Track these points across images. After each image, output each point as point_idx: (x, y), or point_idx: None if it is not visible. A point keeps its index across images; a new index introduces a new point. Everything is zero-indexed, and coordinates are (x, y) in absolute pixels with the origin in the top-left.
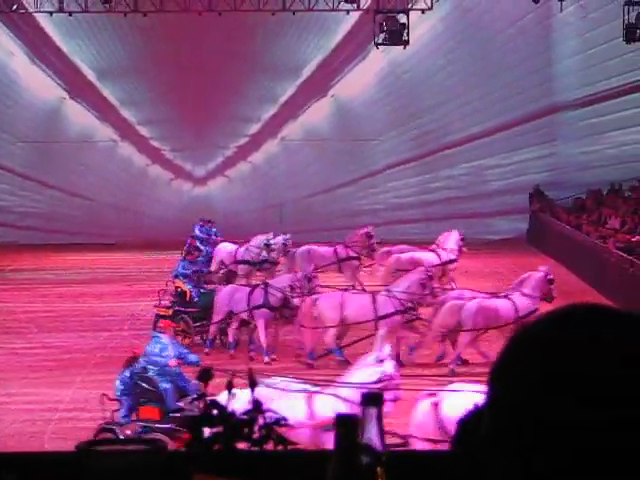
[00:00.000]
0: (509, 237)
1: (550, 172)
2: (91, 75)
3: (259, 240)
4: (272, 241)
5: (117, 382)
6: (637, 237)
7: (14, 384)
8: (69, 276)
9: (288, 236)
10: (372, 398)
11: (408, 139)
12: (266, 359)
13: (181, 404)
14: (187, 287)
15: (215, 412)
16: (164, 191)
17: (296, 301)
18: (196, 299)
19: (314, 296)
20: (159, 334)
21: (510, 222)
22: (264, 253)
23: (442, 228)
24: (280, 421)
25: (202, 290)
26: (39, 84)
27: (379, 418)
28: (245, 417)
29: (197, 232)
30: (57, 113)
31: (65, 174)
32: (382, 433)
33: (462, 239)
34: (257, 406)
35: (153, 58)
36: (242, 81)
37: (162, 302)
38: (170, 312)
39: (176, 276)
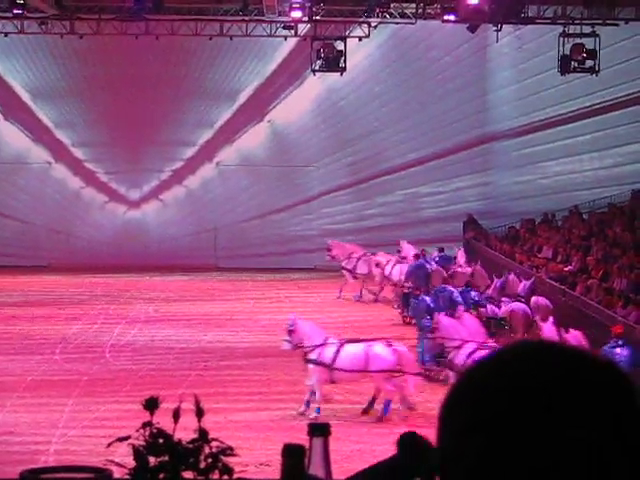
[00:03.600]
0: None
1: (484, 201)
2: (26, 96)
3: None
4: None
5: None
6: (569, 267)
7: None
8: (0, 298)
9: None
10: (318, 428)
11: (344, 165)
12: None
13: None
14: None
15: (161, 441)
16: (98, 214)
17: None
18: None
19: None
20: None
21: (444, 250)
22: None
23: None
24: (226, 451)
25: None
26: None
27: (325, 448)
28: (191, 446)
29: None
30: None
31: None
32: (328, 463)
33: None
34: (203, 435)
35: (89, 80)
36: (179, 105)
37: None
38: None
39: None
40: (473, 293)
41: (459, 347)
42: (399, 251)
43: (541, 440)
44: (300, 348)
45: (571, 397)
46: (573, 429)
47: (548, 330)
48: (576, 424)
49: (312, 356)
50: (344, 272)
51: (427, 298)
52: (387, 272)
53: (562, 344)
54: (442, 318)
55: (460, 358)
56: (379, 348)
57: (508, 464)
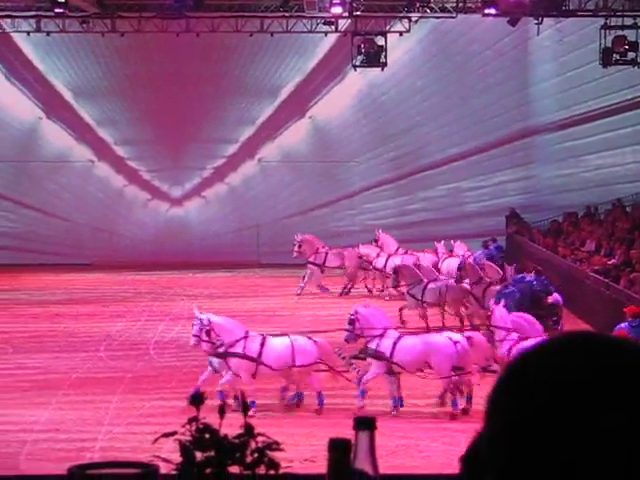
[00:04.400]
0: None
1: (527, 195)
2: (68, 95)
3: None
4: None
5: None
6: (612, 260)
7: None
8: (44, 297)
9: None
10: (364, 422)
11: (385, 161)
12: None
13: None
14: None
15: (207, 436)
16: (141, 212)
17: None
18: None
19: None
20: None
21: None
22: None
23: (419, 249)
24: (272, 445)
25: None
26: (16, 104)
27: (371, 442)
28: (237, 441)
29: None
30: (34, 133)
31: (41, 194)
32: (374, 457)
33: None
34: (249, 430)
35: (130, 78)
36: (220, 102)
37: None
38: None
39: None
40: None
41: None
42: (376, 240)
43: (577, 432)
44: (361, 337)
45: (608, 386)
46: (607, 417)
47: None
48: (611, 412)
49: (371, 346)
50: (310, 267)
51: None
52: (380, 265)
53: (607, 335)
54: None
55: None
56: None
57: (544, 459)
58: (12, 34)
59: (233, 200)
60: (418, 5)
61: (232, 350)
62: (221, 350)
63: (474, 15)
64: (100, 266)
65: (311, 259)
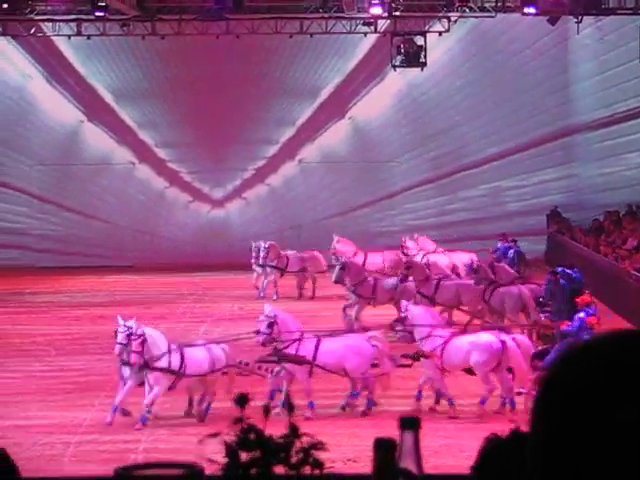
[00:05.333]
0: (527, 258)
1: (568, 193)
2: (109, 98)
3: None
4: None
5: None
6: None
7: (32, 407)
8: (86, 299)
9: None
10: (409, 421)
11: (425, 160)
12: None
13: None
14: None
15: (252, 436)
16: (182, 213)
17: None
18: None
19: None
20: None
21: (528, 243)
22: None
23: (459, 249)
24: (317, 445)
25: None
26: (57, 107)
27: (416, 442)
28: (282, 441)
29: None
30: (75, 136)
31: (83, 197)
32: (419, 457)
33: None
34: (294, 430)
35: (171, 81)
36: (260, 104)
37: None
38: None
39: None
40: None
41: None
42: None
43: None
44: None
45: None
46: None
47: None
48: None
49: (289, 351)
50: (269, 269)
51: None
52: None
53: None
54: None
55: None
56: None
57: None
58: (53, 38)
59: (274, 201)
60: (457, 5)
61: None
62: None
63: (513, 14)
64: (141, 268)
65: (274, 263)
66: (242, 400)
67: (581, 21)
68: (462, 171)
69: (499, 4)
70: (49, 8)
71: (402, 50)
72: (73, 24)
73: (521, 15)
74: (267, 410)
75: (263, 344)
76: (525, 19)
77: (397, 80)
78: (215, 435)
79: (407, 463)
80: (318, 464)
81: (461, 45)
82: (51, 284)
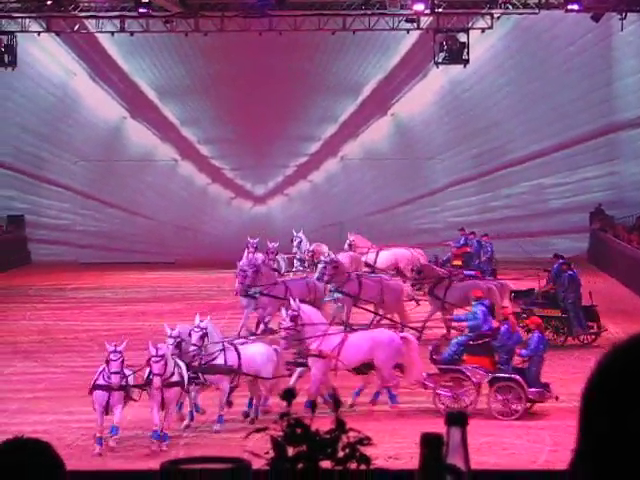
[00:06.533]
0: (569, 256)
1: (611, 191)
2: (152, 94)
3: None
4: None
5: None
6: None
7: (75, 402)
8: (129, 294)
9: None
10: (457, 418)
11: (468, 157)
12: None
13: None
14: None
15: (299, 431)
16: (224, 210)
17: None
18: None
19: None
20: None
21: (570, 241)
22: None
23: (502, 247)
24: (363, 440)
25: None
26: (100, 103)
27: (463, 438)
28: (329, 436)
29: None
30: (118, 132)
31: (126, 193)
32: (466, 452)
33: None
34: (341, 425)
35: (214, 78)
36: (302, 100)
37: None
38: None
39: None
40: None
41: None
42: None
43: None
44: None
45: None
46: None
47: None
48: None
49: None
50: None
51: None
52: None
53: None
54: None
55: None
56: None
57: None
58: (97, 35)
59: (316, 198)
60: (500, 1)
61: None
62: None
63: (556, 11)
64: (184, 264)
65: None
66: (289, 395)
67: (625, 17)
68: (504, 168)
69: (542, 1)
70: (93, 5)
71: (445, 47)
72: (116, 21)
73: (564, 12)
74: (314, 406)
75: (285, 338)
76: (568, 16)
77: (439, 77)
78: (262, 430)
79: (454, 459)
80: (365, 459)
81: (504, 42)
82: (94, 280)
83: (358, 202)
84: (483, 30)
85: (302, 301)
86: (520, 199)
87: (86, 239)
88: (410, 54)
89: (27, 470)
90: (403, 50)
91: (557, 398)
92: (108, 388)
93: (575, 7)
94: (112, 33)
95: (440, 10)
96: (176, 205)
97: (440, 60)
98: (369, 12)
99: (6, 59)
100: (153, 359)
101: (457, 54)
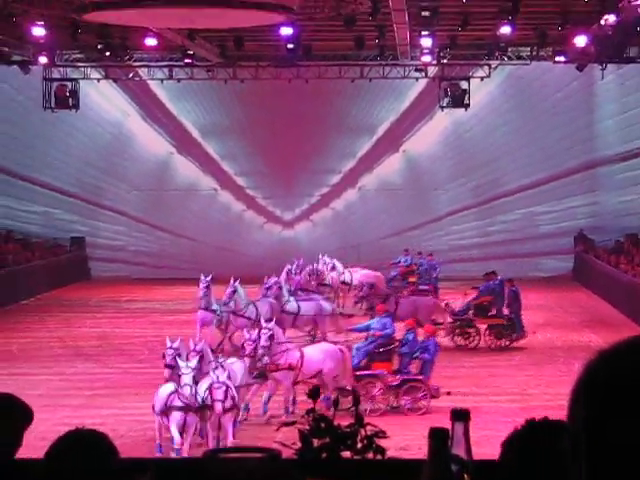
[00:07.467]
0: (556, 274)
1: (592, 218)
2: (196, 133)
3: None
4: None
5: None
6: None
7: (128, 399)
8: (176, 306)
9: None
10: (461, 414)
11: (468, 189)
12: None
13: None
14: None
15: (323, 425)
16: (257, 233)
17: None
18: None
19: None
20: None
21: (557, 261)
22: None
23: (498, 266)
24: (379, 433)
25: None
26: (151, 141)
27: (466, 432)
28: (349, 430)
29: None
30: (166, 165)
31: (173, 218)
32: (469, 444)
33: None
34: (360, 420)
35: (249, 119)
36: (325, 139)
37: None
38: None
39: None
40: None
41: None
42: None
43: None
44: None
45: None
46: None
47: None
48: None
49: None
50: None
51: None
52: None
53: None
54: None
55: None
56: None
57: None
58: (148, 81)
59: (336, 223)
60: (497, 54)
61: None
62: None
63: (546, 62)
64: (222, 280)
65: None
66: (315, 393)
67: (605, 68)
68: (500, 198)
69: (533, 53)
70: (145, 56)
71: (449, 93)
72: (165, 69)
73: (553, 63)
74: (336, 403)
75: (262, 355)
76: (556, 66)
77: (444, 119)
78: (291, 423)
79: (458, 450)
80: (380, 450)
81: (500, 89)
82: (145, 293)
83: (374, 227)
84: (482, 78)
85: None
86: (514, 224)
87: (138, 258)
88: (419, 99)
89: (87, 456)
90: (412, 96)
91: (449, 393)
92: (186, 409)
93: (562, 59)
94: (161, 80)
95: (445, 61)
96: (215, 229)
97: (444, 104)
98: (383, 63)
99: (70, 102)
100: (215, 385)
101: (459, 99)
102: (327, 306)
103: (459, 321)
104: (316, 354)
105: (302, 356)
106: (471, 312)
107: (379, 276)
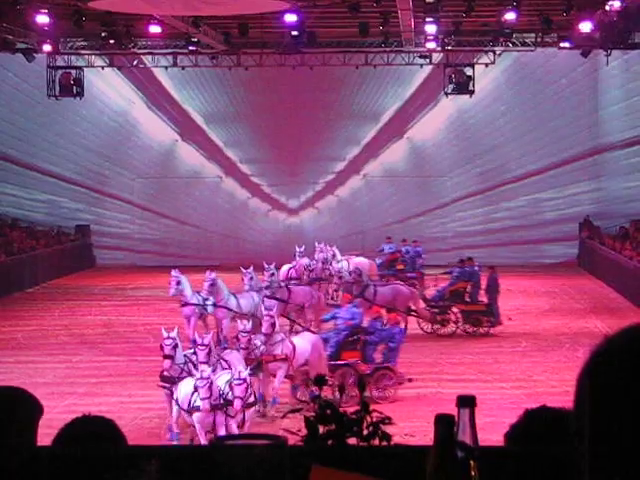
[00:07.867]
0: (562, 261)
1: (597, 204)
2: (200, 120)
3: None
4: None
5: None
6: None
7: (134, 386)
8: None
9: None
10: (466, 400)
11: (473, 175)
12: None
13: None
14: None
15: (328, 412)
16: (262, 220)
17: None
18: None
19: None
20: None
21: (562, 248)
22: None
23: (503, 253)
24: (385, 420)
25: None
26: (155, 128)
27: (472, 418)
28: (355, 417)
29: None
30: (171, 153)
31: (177, 206)
32: (475, 431)
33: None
34: (365, 407)
35: (253, 106)
36: (330, 126)
37: None
38: None
39: None
40: None
41: None
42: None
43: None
44: None
45: None
46: None
47: None
48: None
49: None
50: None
51: None
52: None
53: None
54: None
55: None
56: None
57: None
58: (152, 69)
59: (341, 210)
60: (502, 40)
61: None
62: None
63: (550, 48)
64: (227, 267)
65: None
66: (321, 381)
67: (610, 54)
68: (505, 184)
69: (538, 39)
70: (149, 43)
71: (453, 79)
72: (170, 57)
73: (557, 49)
74: (342, 389)
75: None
76: (561, 52)
77: (449, 106)
78: (297, 410)
79: (464, 437)
80: (386, 437)
81: (505, 75)
82: (150, 280)
83: (378, 214)
84: (487, 65)
85: None
86: (519, 211)
87: (143, 245)
88: (423, 86)
89: (95, 441)
90: (417, 82)
91: (410, 380)
92: (214, 408)
93: (567, 45)
94: (166, 67)
95: (449, 48)
96: (220, 216)
97: (449, 91)
98: (388, 49)
99: (75, 90)
100: (235, 381)
101: (464, 86)
102: (315, 294)
103: (437, 308)
104: (304, 344)
105: (294, 347)
106: (446, 298)
107: (372, 264)
